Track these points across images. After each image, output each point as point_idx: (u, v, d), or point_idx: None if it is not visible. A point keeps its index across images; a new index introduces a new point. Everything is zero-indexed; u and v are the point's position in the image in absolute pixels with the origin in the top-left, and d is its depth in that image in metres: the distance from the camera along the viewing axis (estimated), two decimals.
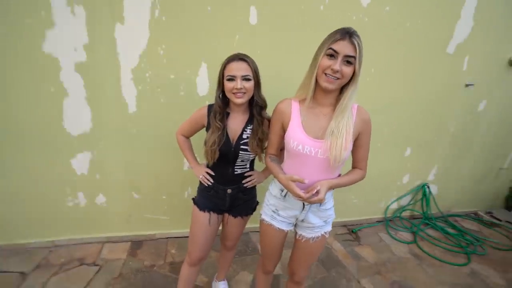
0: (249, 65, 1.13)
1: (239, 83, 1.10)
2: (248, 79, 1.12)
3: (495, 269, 2.37)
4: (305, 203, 1.09)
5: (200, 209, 1.31)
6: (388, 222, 2.79)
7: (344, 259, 2.19)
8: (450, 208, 3.17)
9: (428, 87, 2.39)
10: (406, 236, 2.65)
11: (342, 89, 0.99)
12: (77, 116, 1.64)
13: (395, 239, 2.56)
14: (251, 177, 1.31)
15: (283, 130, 1.11)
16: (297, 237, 1.20)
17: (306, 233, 1.16)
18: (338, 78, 0.92)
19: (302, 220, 1.15)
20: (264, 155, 1.27)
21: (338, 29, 0.93)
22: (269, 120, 1.25)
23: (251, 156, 1.24)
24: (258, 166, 1.37)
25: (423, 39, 2.17)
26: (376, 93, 2.18)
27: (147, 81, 1.66)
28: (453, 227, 2.92)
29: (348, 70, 0.91)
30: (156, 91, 1.69)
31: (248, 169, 1.31)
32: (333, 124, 0.97)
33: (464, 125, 2.72)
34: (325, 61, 0.92)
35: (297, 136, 1.02)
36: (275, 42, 1.79)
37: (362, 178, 1.11)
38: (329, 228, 1.17)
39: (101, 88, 1.61)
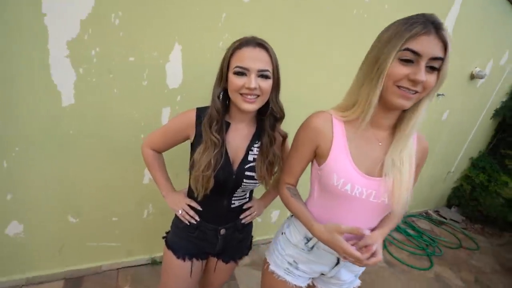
0: (270, 55, 0.76)
1: (253, 81, 0.73)
2: (267, 77, 0.76)
3: (452, 269, 2.53)
4: (340, 258, 0.81)
5: (178, 256, 0.93)
6: None
7: None
8: (409, 210, 3.34)
9: None
10: None
11: None
12: None
13: None
14: (251, 209, 0.97)
15: (314, 155, 0.80)
16: None
17: None
18: (417, 92, 0.62)
19: (331, 277, 0.87)
20: (271, 181, 0.94)
21: (413, 18, 0.60)
22: (283, 137, 0.92)
23: (257, 185, 0.90)
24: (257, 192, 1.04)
25: None
26: None
27: (92, 61, 1.14)
28: (412, 228, 3.08)
29: (432, 79, 0.61)
30: (107, 78, 1.19)
31: (247, 200, 0.97)
32: (397, 154, 0.69)
33: (430, 132, 2.82)
34: (399, 68, 0.61)
35: (344, 172, 0.71)
36: (271, 27, 1.44)
37: (403, 215, 0.88)
38: (358, 282, 0.92)
39: (13, 67, 1.04)
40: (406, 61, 0.61)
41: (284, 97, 0.89)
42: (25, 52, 1.03)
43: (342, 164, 0.71)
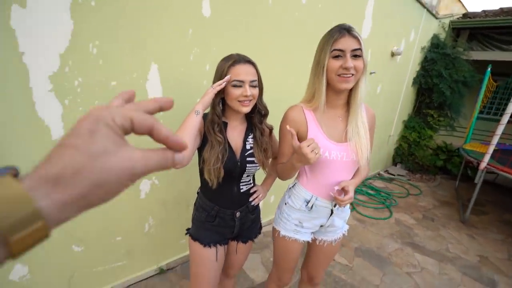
0: (256, 69, 0.98)
1: (248, 90, 0.94)
2: (256, 85, 0.98)
3: (406, 213, 3.10)
4: (333, 208, 1.07)
5: (205, 245, 1.08)
6: None
7: None
8: None
9: None
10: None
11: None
12: None
13: None
14: (257, 192, 1.17)
15: (298, 139, 1.04)
16: (318, 242, 1.17)
17: (327, 237, 1.15)
18: (352, 75, 0.90)
19: (328, 226, 1.12)
20: (269, 163, 1.15)
21: (333, 29, 0.91)
22: (270, 129, 1.13)
23: (257, 168, 1.10)
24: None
25: None
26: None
27: (76, 91, 1.18)
28: (371, 188, 3.62)
29: (359, 63, 0.90)
30: (93, 104, 1.24)
31: (252, 185, 1.16)
32: (354, 123, 0.98)
33: (370, 104, 3.30)
34: (334, 63, 0.89)
35: (321, 144, 0.96)
36: (230, 37, 1.63)
37: (368, 172, 1.18)
38: (347, 226, 1.19)
39: None
40: (337, 57, 0.89)
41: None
42: (7, 92, 1.03)
43: (319, 139, 0.97)
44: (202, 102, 0.93)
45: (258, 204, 1.23)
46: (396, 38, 3.35)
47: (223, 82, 0.93)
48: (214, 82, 0.98)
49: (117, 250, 1.54)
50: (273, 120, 1.19)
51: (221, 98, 0.99)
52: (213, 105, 0.98)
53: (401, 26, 3.34)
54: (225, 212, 1.08)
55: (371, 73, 3.09)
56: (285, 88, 2.06)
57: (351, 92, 0.99)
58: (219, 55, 1.02)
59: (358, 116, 0.99)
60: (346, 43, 0.87)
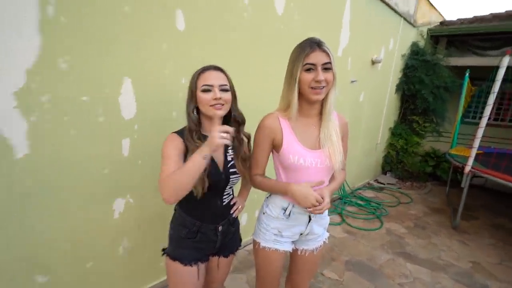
0: (225, 74, 0.99)
1: (217, 93, 0.93)
2: (226, 90, 0.97)
3: (397, 222, 3.07)
4: (311, 215, 1.05)
5: (185, 264, 1.02)
6: None
7: None
8: (355, 183, 3.87)
9: None
10: (335, 218, 3.03)
11: None
12: None
13: (330, 224, 2.89)
14: (236, 204, 1.14)
15: (272, 147, 1.04)
16: (299, 252, 1.14)
17: (309, 246, 1.13)
18: (324, 87, 0.93)
19: (307, 234, 1.10)
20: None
21: (304, 42, 0.94)
22: (248, 138, 1.11)
23: (239, 178, 1.09)
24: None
25: None
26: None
27: (44, 107, 1.14)
28: (361, 199, 3.59)
29: (329, 76, 0.92)
30: (62, 121, 1.19)
31: (232, 196, 1.14)
32: (326, 131, 0.99)
33: (353, 112, 3.38)
34: (306, 76, 0.91)
35: (296, 151, 0.97)
36: (206, 50, 1.63)
37: (345, 177, 1.16)
38: (327, 234, 1.18)
39: None
40: (309, 70, 0.91)
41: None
42: None
43: (293, 146, 0.98)
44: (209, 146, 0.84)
45: (237, 216, 1.19)
46: (376, 47, 3.45)
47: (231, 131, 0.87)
48: (188, 93, 0.99)
49: (87, 279, 1.43)
50: (253, 129, 1.16)
51: (195, 106, 0.97)
52: (189, 114, 0.98)
53: (379, 35, 3.46)
54: (207, 227, 1.05)
55: (352, 82, 3.14)
56: (263, 97, 2.06)
57: (322, 102, 1.01)
58: (195, 68, 1.02)
59: (330, 123, 1.01)
60: (317, 58, 0.90)
